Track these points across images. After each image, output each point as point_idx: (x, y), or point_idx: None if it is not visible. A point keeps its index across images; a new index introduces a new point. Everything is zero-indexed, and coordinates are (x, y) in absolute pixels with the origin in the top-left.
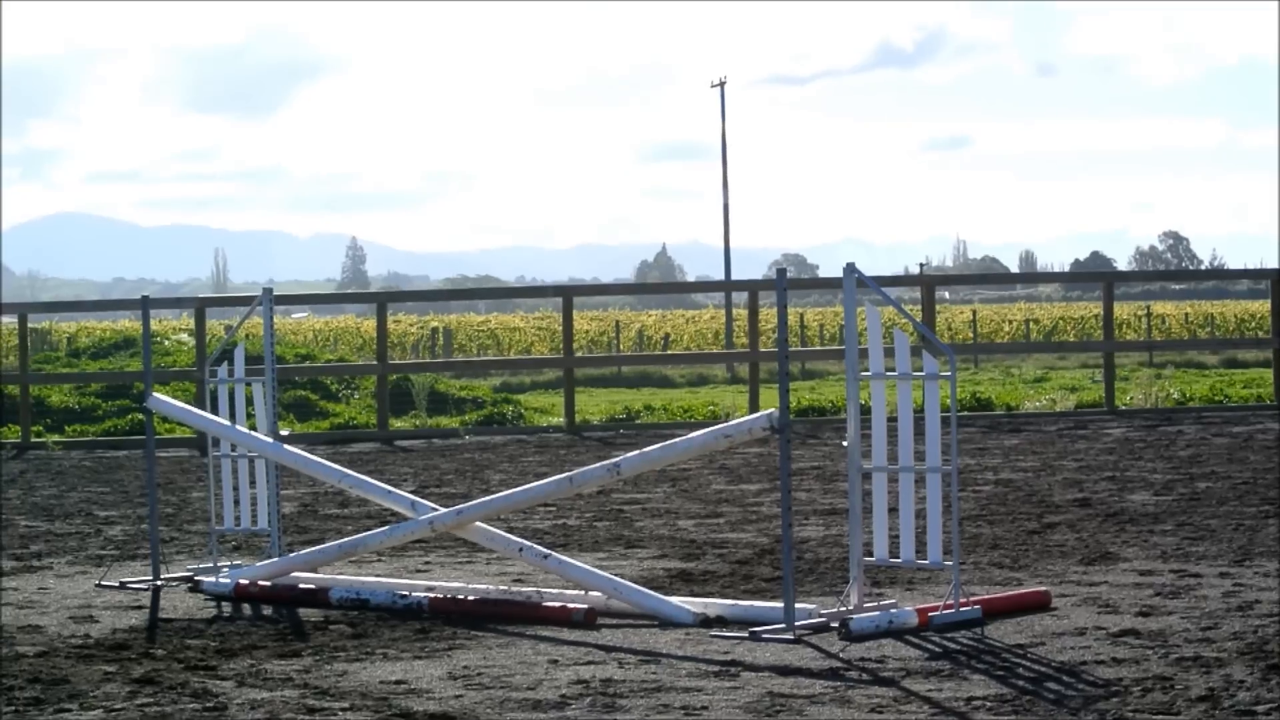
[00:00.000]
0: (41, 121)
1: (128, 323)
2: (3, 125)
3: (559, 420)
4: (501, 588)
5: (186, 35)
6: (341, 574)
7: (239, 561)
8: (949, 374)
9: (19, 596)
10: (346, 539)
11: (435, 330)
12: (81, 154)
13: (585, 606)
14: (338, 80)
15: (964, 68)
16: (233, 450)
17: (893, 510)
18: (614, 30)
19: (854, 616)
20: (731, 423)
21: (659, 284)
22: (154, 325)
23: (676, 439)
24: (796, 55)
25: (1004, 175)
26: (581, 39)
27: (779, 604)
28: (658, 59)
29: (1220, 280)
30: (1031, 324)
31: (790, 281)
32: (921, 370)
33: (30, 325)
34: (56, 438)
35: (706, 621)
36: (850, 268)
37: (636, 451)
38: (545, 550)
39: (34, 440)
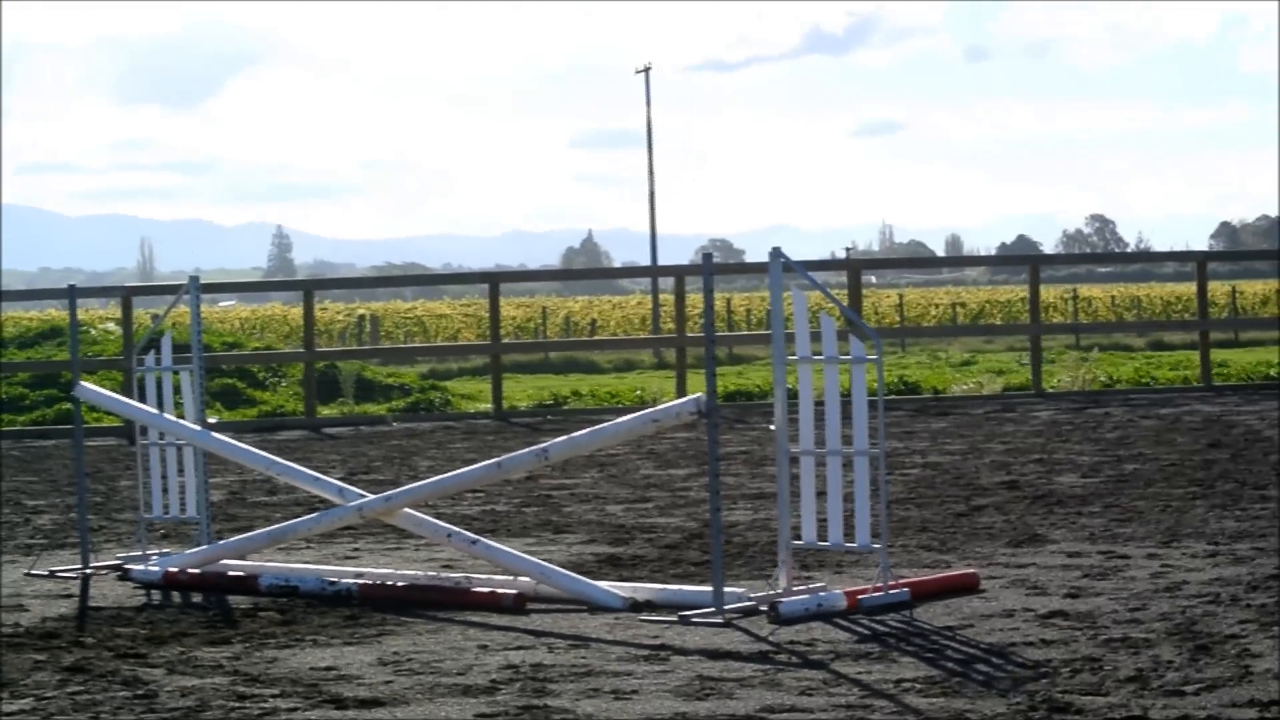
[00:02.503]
0: None
1: (54, 312)
2: None
3: (486, 407)
4: (430, 573)
5: (121, 26)
6: (270, 561)
7: (168, 549)
8: (875, 358)
9: None
10: (275, 526)
11: (362, 318)
12: (13, 146)
13: (514, 592)
14: (273, 70)
15: (896, 53)
16: (161, 439)
17: (821, 494)
18: (547, 16)
19: (783, 600)
20: (659, 408)
21: (585, 270)
22: (81, 315)
23: (604, 424)
24: (727, 41)
25: (935, 160)
26: (513, 24)
27: (708, 588)
28: (589, 46)
29: (1147, 263)
30: (958, 308)
31: (717, 266)
32: (848, 354)
33: None
34: None
35: (635, 606)
36: (776, 252)
37: (565, 437)
38: (474, 536)
39: None
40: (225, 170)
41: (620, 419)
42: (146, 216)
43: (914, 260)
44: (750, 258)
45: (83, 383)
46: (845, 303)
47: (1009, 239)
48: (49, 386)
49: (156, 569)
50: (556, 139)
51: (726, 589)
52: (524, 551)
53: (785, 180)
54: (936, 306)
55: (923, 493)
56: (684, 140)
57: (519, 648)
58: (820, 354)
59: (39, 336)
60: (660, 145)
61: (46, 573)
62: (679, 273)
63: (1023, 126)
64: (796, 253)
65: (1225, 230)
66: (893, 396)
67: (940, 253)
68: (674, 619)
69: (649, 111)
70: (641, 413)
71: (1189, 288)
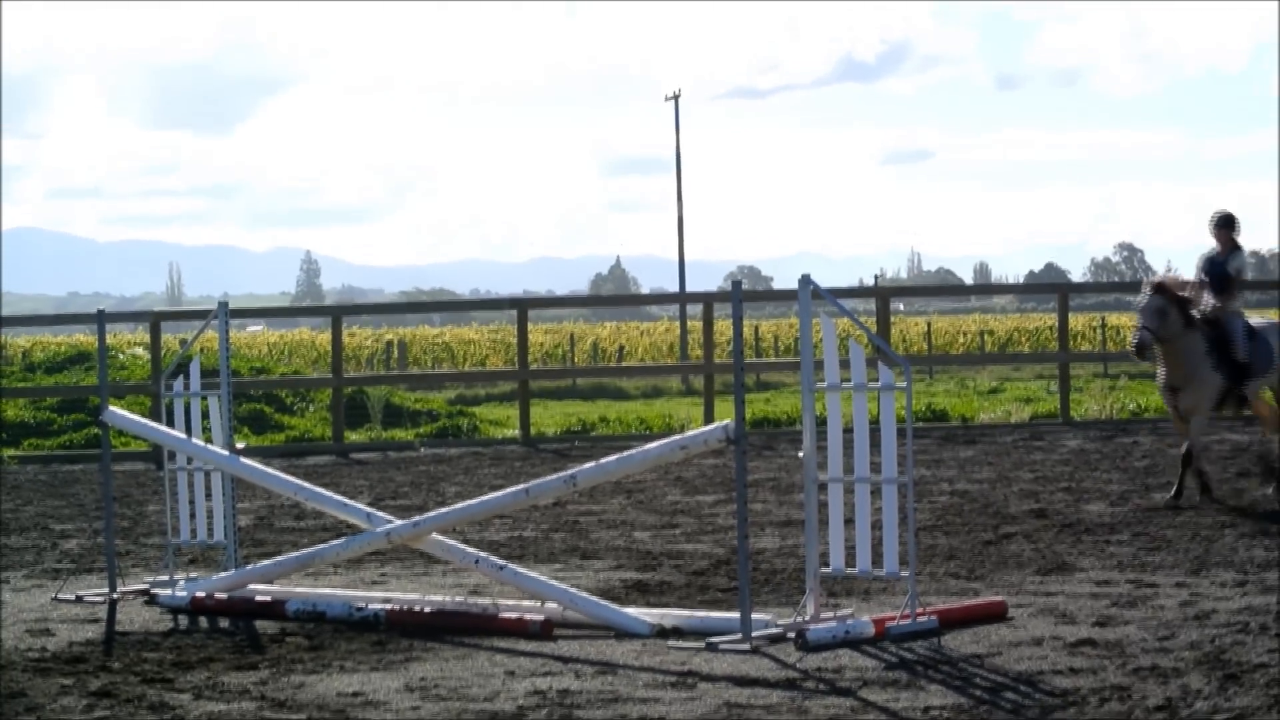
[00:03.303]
0: (4, 138)
1: (83, 337)
2: None
3: (514, 433)
4: (458, 599)
5: (152, 50)
6: (298, 586)
7: (195, 575)
8: (904, 385)
9: None
10: (303, 551)
11: (390, 343)
12: (43, 170)
13: (542, 618)
14: (301, 94)
15: (927, 80)
16: (189, 463)
17: (849, 521)
18: (576, 44)
19: (811, 627)
20: (688, 434)
21: (613, 296)
22: (109, 339)
23: (633, 450)
24: (758, 68)
25: (964, 187)
26: (544, 51)
27: (735, 615)
28: (619, 73)
29: None
30: (986, 335)
31: (746, 293)
32: (877, 381)
33: None
34: (11, 452)
35: (663, 632)
36: (805, 279)
37: (593, 463)
38: (501, 561)
39: None
40: (254, 195)
41: (649, 445)
42: (175, 241)
43: (942, 288)
44: (778, 284)
45: (111, 408)
46: (874, 330)
47: (1037, 267)
48: (77, 411)
49: (184, 594)
50: (586, 166)
51: (754, 616)
52: (551, 577)
53: (814, 207)
54: (965, 334)
55: (951, 520)
56: (713, 167)
57: (546, 674)
58: (849, 381)
59: (67, 361)
60: (689, 171)
61: (74, 597)
62: (707, 299)
63: (1051, 154)
64: (824, 280)
65: (1255, 260)
66: (921, 424)
67: (968, 280)
68: (701, 645)
69: (678, 138)
70: (670, 439)
71: None
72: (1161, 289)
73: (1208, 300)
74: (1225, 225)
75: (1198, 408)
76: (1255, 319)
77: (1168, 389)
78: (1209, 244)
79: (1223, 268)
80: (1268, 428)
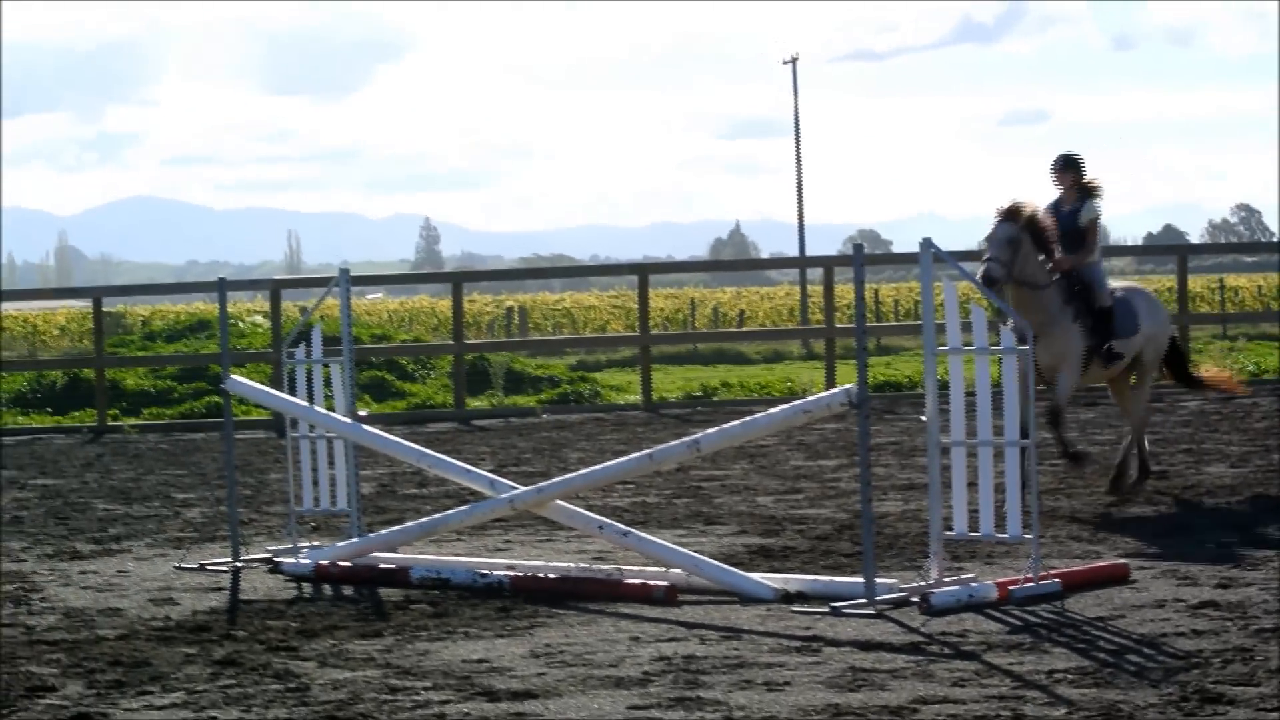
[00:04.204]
0: (119, 106)
1: (202, 305)
2: (78, 110)
3: (635, 398)
4: (582, 565)
5: (268, 16)
6: (421, 553)
7: (318, 542)
8: (1026, 347)
9: (98, 579)
10: (426, 518)
11: (510, 309)
12: (158, 137)
13: (666, 584)
14: (417, 59)
15: (1044, 41)
16: (311, 431)
17: (971, 484)
18: (694, 9)
19: (934, 591)
20: (810, 398)
21: (733, 261)
22: (229, 308)
23: (756, 415)
24: (876, 31)
25: (1081, 149)
26: (664, 13)
27: (859, 579)
28: (737, 36)
29: None
30: None
31: (867, 257)
32: (999, 344)
33: (104, 309)
34: (133, 421)
35: (787, 597)
36: (927, 242)
37: (716, 428)
38: (625, 528)
39: (110, 424)
40: (371, 161)
41: (772, 410)
42: (293, 208)
43: None
44: (897, 247)
45: (233, 376)
46: None
47: (1155, 228)
48: (197, 379)
49: (308, 562)
50: (704, 130)
51: (878, 580)
52: (675, 543)
53: (931, 169)
54: None
55: (1072, 483)
56: (831, 130)
57: (671, 639)
58: (971, 344)
59: (187, 329)
60: (807, 135)
61: (197, 566)
62: (828, 263)
63: (1167, 115)
64: (943, 242)
65: None
66: (1042, 387)
67: None
68: (826, 610)
69: (796, 102)
70: (793, 404)
71: None
72: (1014, 215)
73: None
74: (1069, 168)
75: (1063, 362)
76: (1118, 283)
77: None
78: None
79: (1072, 219)
80: (1126, 413)
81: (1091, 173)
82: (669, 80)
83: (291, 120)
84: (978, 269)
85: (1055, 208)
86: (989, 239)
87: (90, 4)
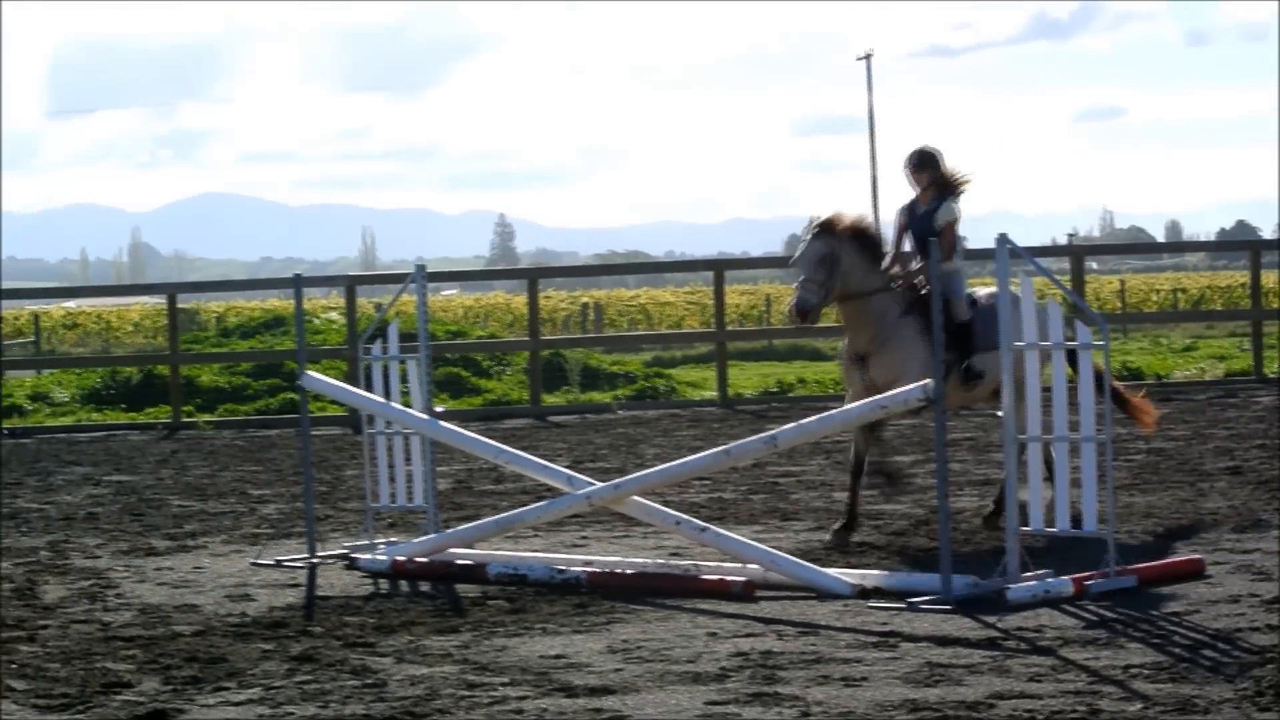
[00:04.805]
0: (193, 103)
1: (276, 302)
2: (152, 107)
3: (711, 394)
4: (659, 561)
5: (345, 14)
6: (498, 550)
7: (395, 539)
8: (1102, 343)
9: (174, 576)
10: (503, 514)
11: (586, 306)
12: (233, 134)
13: (743, 579)
14: (494, 56)
15: (1119, 37)
16: (388, 427)
17: (1047, 480)
18: (769, 6)
19: (1011, 586)
20: (888, 394)
21: None
22: (304, 304)
23: (833, 411)
24: (951, 27)
25: (1154, 145)
26: (735, 11)
27: (936, 574)
28: (811, 33)
29: None
30: (1179, 293)
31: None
32: (1075, 340)
33: (179, 305)
34: (207, 417)
35: (864, 593)
36: (1003, 239)
37: (794, 424)
38: (702, 524)
39: (185, 420)
40: (446, 158)
41: (848, 405)
42: (367, 205)
43: (1135, 246)
44: (972, 244)
45: (309, 372)
46: (1069, 288)
47: (1228, 224)
48: (271, 376)
49: (384, 558)
50: (778, 126)
51: (954, 575)
52: (752, 539)
53: (1006, 165)
54: (1157, 292)
55: (1147, 478)
56: (905, 126)
57: (748, 635)
58: (1047, 340)
59: (261, 326)
60: (882, 131)
61: (273, 562)
62: (904, 259)
63: (1242, 111)
64: (1017, 238)
65: None
66: (1116, 382)
67: (1159, 238)
68: (902, 605)
69: (870, 98)
70: (870, 399)
71: None
72: (829, 228)
73: (915, 266)
74: (923, 165)
75: (900, 380)
76: (981, 290)
77: (850, 358)
78: None
79: (928, 221)
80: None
81: (954, 167)
82: (743, 77)
83: (367, 117)
84: (790, 299)
85: (910, 209)
86: (800, 258)
87: (164, 2)
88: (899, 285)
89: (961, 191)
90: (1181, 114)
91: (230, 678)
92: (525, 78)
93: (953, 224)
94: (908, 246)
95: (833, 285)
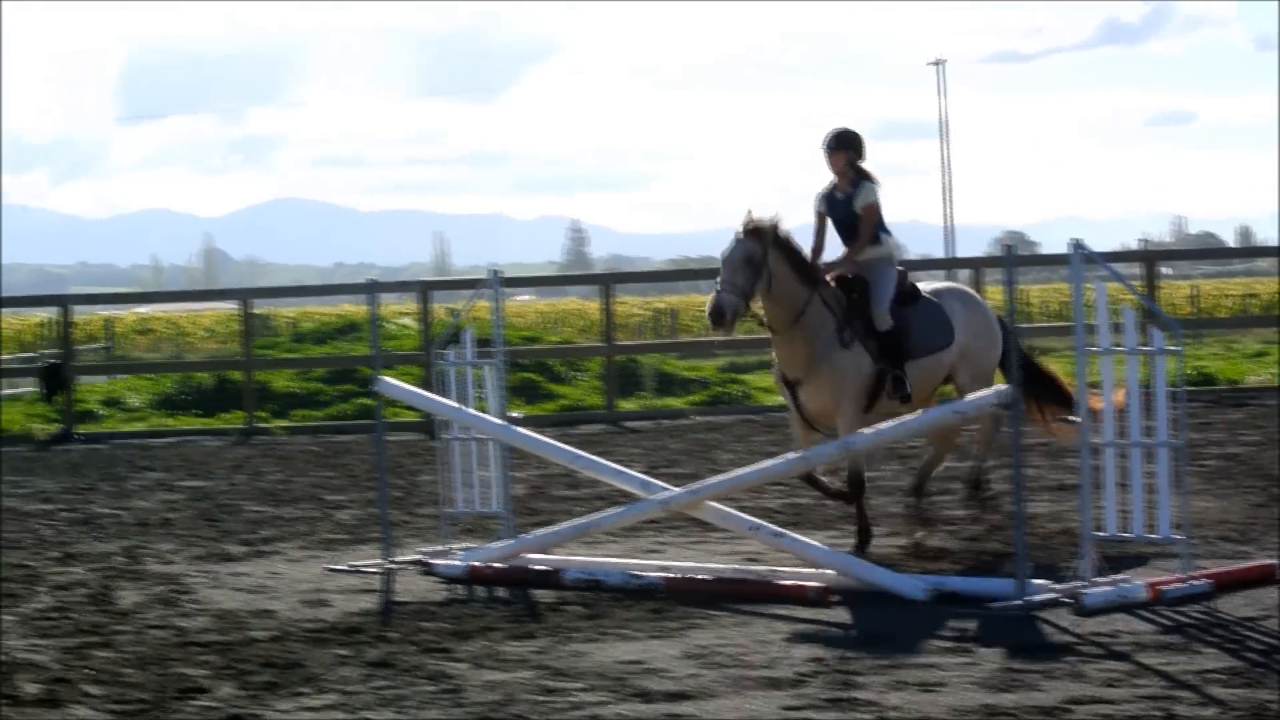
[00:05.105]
0: (263, 108)
1: (349, 307)
2: (222, 112)
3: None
4: (735, 566)
5: (415, 19)
6: (574, 555)
7: (470, 544)
8: (1176, 349)
9: (250, 581)
10: (579, 520)
11: (660, 311)
12: (304, 140)
13: (819, 584)
14: (566, 60)
15: (1189, 42)
16: (463, 433)
17: (1122, 485)
18: (840, 8)
19: (1086, 591)
20: (963, 400)
21: None
22: (377, 309)
23: (909, 416)
24: (1022, 32)
25: (1226, 150)
26: (806, 16)
27: (1011, 579)
28: (882, 38)
29: None
30: (1251, 299)
31: (1016, 258)
32: (1149, 346)
33: (251, 310)
34: (281, 423)
35: (939, 598)
36: (1077, 244)
37: (869, 429)
38: (778, 529)
39: (258, 425)
40: (518, 163)
41: (923, 411)
42: (440, 210)
43: (1206, 251)
44: (1043, 249)
45: (384, 377)
46: (1142, 294)
47: None
48: (345, 381)
49: (460, 563)
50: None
51: (1029, 580)
52: (827, 544)
53: (1076, 170)
54: (1229, 298)
55: (1222, 484)
56: (976, 130)
57: (824, 640)
58: (1121, 345)
59: (335, 331)
60: (953, 136)
61: (348, 568)
62: (977, 264)
63: None
64: (1088, 244)
65: None
66: (1189, 388)
67: (1231, 244)
68: (978, 611)
69: (942, 105)
70: (946, 405)
71: None
72: (755, 232)
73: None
74: (841, 147)
75: (837, 410)
76: (938, 285)
77: (784, 382)
78: None
79: (848, 206)
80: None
81: (869, 166)
82: (816, 82)
83: (439, 122)
84: (707, 302)
85: (829, 197)
86: (723, 261)
87: (233, 6)
88: (829, 279)
89: (873, 179)
90: (1253, 118)
91: (307, 683)
92: (597, 81)
93: (873, 206)
94: (832, 235)
95: (753, 291)
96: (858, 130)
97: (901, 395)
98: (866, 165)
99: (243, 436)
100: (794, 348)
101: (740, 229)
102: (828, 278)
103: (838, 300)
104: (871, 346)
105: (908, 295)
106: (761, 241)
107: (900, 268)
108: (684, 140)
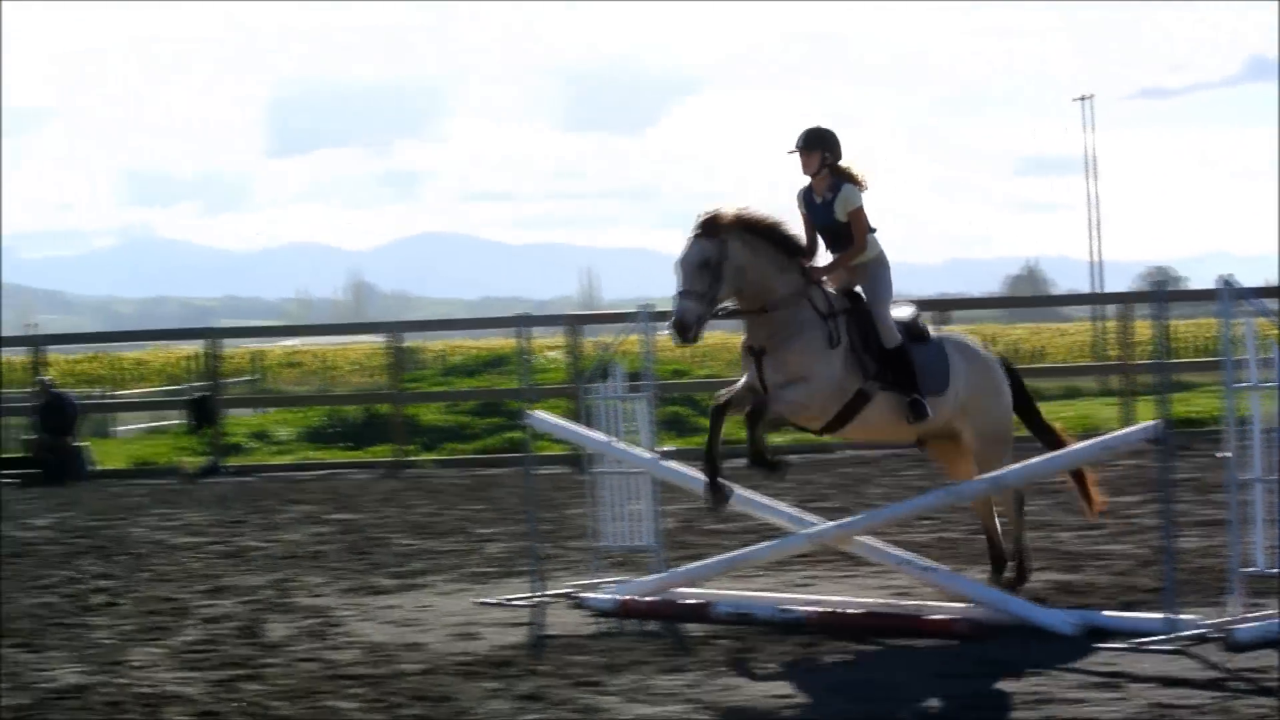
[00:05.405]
0: (408, 141)
1: (497, 340)
2: (369, 146)
3: None
4: (884, 601)
5: (562, 53)
6: (724, 589)
7: (620, 578)
8: None
9: (399, 614)
10: (729, 554)
11: None
12: (451, 173)
13: (969, 619)
14: (712, 96)
15: None
16: (613, 467)
17: (1272, 520)
18: (985, 45)
19: (1236, 627)
20: (1115, 434)
21: (1028, 297)
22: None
23: (1058, 451)
24: (1168, 68)
25: None
26: (950, 52)
27: (1161, 615)
28: (1028, 72)
29: None
30: None
31: (1167, 294)
32: None
33: (400, 344)
34: (430, 456)
35: (1089, 633)
36: (1227, 280)
37: (1020, 464)
38: (928, 563)
39: (407, 459)
40: (667, 197)
41: (1075, 445)
42: (587, 244)
43: None
44: (1191, 284)
45: (533, 411)
46: None
47: None
48: (493, 415)
49: (612, 596)
50: (997, 167)
51: (1179, 616)
52: (977, 579)
53: (1221, 205)
54: None
55: None
56: (1121, 166)
57: (974, 675)
58: (1270, 381)
59: (484, 365)
60: (1102, 171)
61: (498, 601)
62: (1127, 300)
63: None
64: (1237, 279)
65: None
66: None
67: None
68: (1127, 646)
69: (1090, 141)
70: (1097, 439)
71: None
72: (711, 227)
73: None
74: (813, 145)
75: (803, 377)
76: (947, 330)
77: (748, 350)
78: None
79: (828, 211)
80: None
81: (852, 164)
82: (963, 118)
83: (587, 156)
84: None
85: (806, 197)
86: (678, 263)
87: (380, 41)
88: (822, 280)
89: (859, 178)
90: None
91: (457, 717)
92: (743, 116)
93: (859, 210)
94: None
95: (718, 294)
96: (830, 129)
97: (921, 416)
98: (845, 164)
99: (391, 470)
100: (763, 322)
101: (693, 226)
102: (822, 281)
103: (828, 300)
104: (869, 363)
105: (916, 334)
106: (720, 237)
107: (913, 307)
108: None
